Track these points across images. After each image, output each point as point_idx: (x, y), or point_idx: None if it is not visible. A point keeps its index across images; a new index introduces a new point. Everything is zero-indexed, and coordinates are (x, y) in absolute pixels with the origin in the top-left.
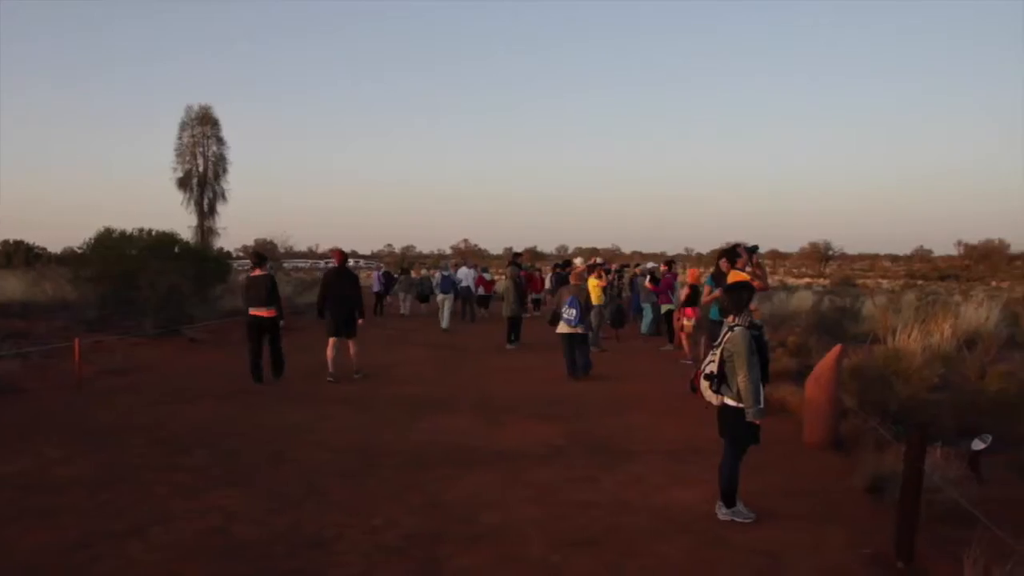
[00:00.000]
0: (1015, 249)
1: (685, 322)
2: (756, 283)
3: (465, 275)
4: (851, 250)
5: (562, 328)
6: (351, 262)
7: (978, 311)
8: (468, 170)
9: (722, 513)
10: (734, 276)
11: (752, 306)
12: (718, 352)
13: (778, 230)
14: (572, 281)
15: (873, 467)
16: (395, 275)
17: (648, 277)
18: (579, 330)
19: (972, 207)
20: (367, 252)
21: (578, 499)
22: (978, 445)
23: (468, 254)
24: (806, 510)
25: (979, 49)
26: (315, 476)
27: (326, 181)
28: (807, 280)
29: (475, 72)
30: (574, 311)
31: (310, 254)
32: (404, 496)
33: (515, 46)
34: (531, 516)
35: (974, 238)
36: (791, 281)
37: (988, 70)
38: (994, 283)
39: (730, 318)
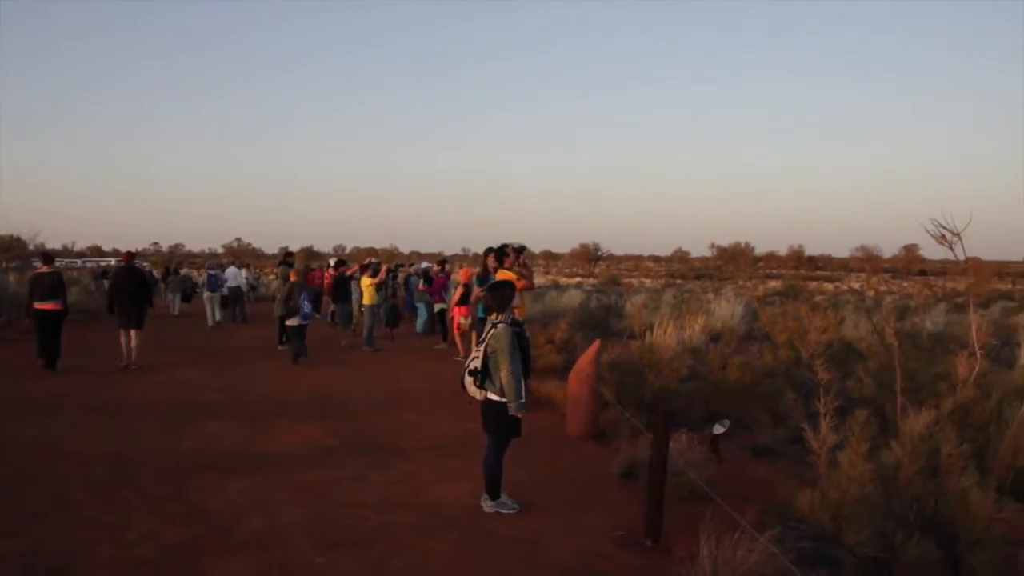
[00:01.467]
0: (759, 251)
1: (459, 320)
2: (523, 282)
3: (233, 275)
4: (618, 251)
5: (293, 321)
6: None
7: (725, 308)
8: (245, 168)
9: (488, 506)
10: (501, 275)
11: (515, 304)
12: (482, 348)
13: (552, 231)
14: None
15: (628, 455)
16: (158, 275)
17: (422, 277)
18: (306, 322)
19: (725, 211)
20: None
21: (346, 499)
22: (718, 429)
23: (241, 253)
24: (567, 498)
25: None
26: (65, 490)
27: (91, 177)
28: (578, 279)
29: (247, 67)
30: (309, 306)
31: (66, 252)
32: (163, 507)
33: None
34: (297, 519)
35: (725, 241)
36: (563, 280)
37: (743, 77)
38: (741, 282)
39: (493, 316)
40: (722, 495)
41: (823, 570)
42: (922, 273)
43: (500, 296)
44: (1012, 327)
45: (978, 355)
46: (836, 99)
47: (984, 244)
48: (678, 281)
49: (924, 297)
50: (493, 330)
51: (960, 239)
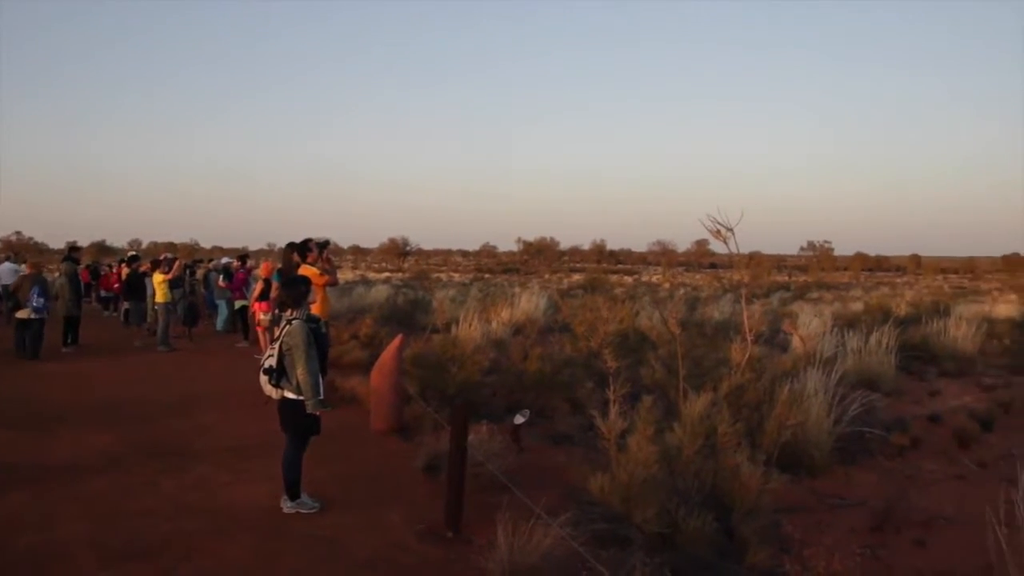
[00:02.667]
0: (564, 246)
1: (261, 316)
2: (325, 278)
3: (8, 272)
4: (428, 246)
5: (23, 314)
6: None
7: (530, 301)
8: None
9: (287, 506)
10: (304, 270)
11: (312, 300)
12: (277, 346)
13: (361, 226)
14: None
15: (430, 448)
16: None
17: (222, 274)
18: (38, 316)
19: (531, 208)
20: None
21: (135, 508)
22: (519, 419)
23: (21, 248)
24: (369, 494)
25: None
26: None
27: None
28: (387, 274)
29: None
30: (43, 300)
31: None
32: None
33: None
34: (80, 533)
35: (532, 236)
36: (371, 275)
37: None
38: (546, 276)
39: (288, 312)
40: (523, 483)
41: (615, 548)
42: (712, 266)
43: (295, 292)
44: (788, 315)
45: (749, 341)
46: (633, 100)
47: (766, 237)
48: (486, 275)
49: (713, 288)
50: (288, 327)
51: (733, 234)
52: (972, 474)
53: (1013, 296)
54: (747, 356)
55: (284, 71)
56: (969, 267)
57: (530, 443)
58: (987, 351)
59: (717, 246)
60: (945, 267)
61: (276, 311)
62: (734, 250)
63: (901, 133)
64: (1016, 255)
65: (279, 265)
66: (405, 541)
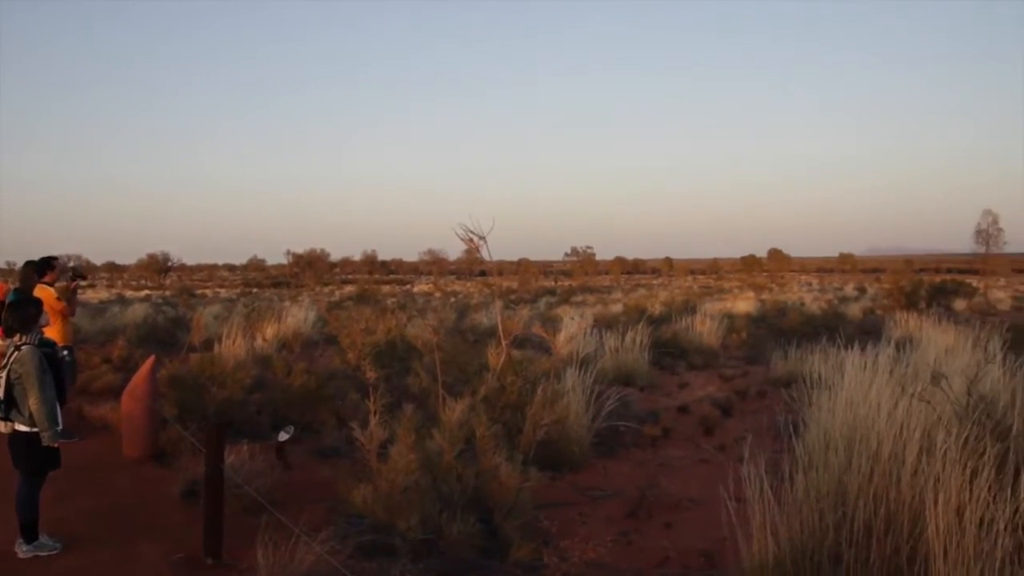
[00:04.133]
0: (335, 257)
1: None
2: (62, 303)
3: None
4: (191, 260)
5: None
6: None
7: (298, 314)
8: None
9: (23, 550)
10: (39, 291)
11: (44, 324)
12: (3, 375)
13: (117, 241)
14: None
15: (189, 473)
16: None
17: None
18: None
19: (299, 220)
20: None
21: None
22: (283, 436)
23: None
24: (122, 527)
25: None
26: None
27: None
28: (146, 292)
29: None
30: None
31: None
32: None
33: None
34: None
35: (301, 247)
36: (129, 294)
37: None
38: (318, 288)
39: (17, 337)
40: (288, 501)
41: (380, 559)
42: (482, 274)
43: (22, 315)
44: (554, 318)
45: (504, 346)
46: (400, 110)
47: (533, 244)
48: (254, 290)
49: (482, 295)
50: (16, 353)
51: (486, 242)
52: (714, 457)
53: (751, 293)
54: (502, 360)
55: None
56: (714, 268)
57: (296, 459)
58: (728, 344)
59: (486, 254)
60: (694, 268)
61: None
62: (487, 257)
63: (651, 144)
64: (752, 256)
65: (17, 285)
66: (161, 573)
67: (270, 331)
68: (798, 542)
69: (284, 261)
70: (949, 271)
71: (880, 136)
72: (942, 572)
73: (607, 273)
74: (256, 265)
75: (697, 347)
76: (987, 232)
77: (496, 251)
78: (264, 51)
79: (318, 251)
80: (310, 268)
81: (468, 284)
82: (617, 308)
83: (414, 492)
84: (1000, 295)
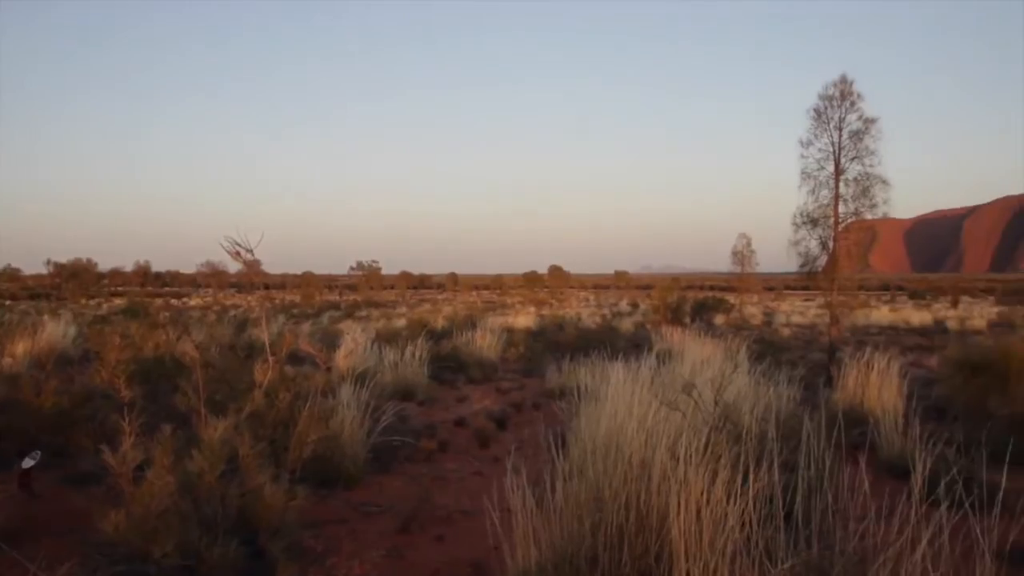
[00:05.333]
0: (104, 268)
1: None
2: None
3: None
4: None
5: None
6: None
7: (56, 329)
8: None
9: None
10: None
11: None
12: None
13: None
14: None
15: None
16: None
17: None
18: None
19: (59, 229)
20: None
21: None
22: (27, 463)
23: None
24: None
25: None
26: None
27: None
28: None
29: None
30: None
31: None
32: None
33: None
34: None
35: (64, 256)
36: None
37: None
38: (84, 301)
39: None
40: (32, 534)
41: None
42: (266, 287)
43: None
44: (337, 332)
45: (271, 361)
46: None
47: (318, 258)
48: (8, 301)
49: (264, 309)
50: None
51: (253, 254)
52: (488, 469)
53: (532, 308)
54: (269, 376)
55: None
56: (498, 283)
57: (46, 488)
58: (507, 358)
59: (269, 267)
60: (478, 284)
61: None
62: (254, 269)
63: (438, 161)
64: (534, 273)
65: None
66: None
67: (20, 348)
68: (559, 548)
69: (44, 271)
70: (711, 288)
71: (652, 161)
72: (683, 569)
73: (393, 288)
74: (11, 275)
75: (477, 361)
76: (742, 253)
77: (279, 264)
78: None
79: (84, 261)
80: (74, 279)
81: (248, 298)
82: (401, 323)
83: (172, 516)
84: (753, 311)
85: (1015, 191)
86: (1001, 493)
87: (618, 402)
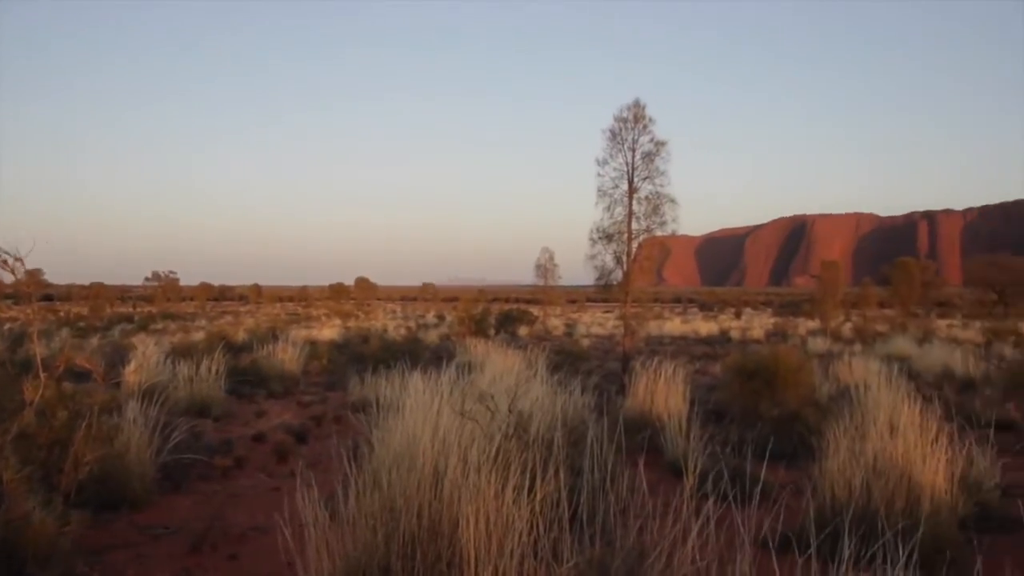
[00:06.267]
0: None
1: None
2: None
3: None
4: None
5: None
6: None
7: None
8: None
9: None
10: None
11: None
12: None
13: None
14: None
15: None
16: None
17: None
18: None
19: None
20: None
21: None
22: None
23: None
24: None
25: None
26: None
27: None
28: None
29: None
30: None
31: None
32: None
33: None
34: None
35: None
36: None
37: None
38: None
39: None
40: None
41: None
42: (48, 298)
43: None
44: (128, 346)
45: (43, 378)
46: None
47: (110, 268)
48: None
49: (46, 322)
50: None
51: (23, 263)
52: (286, 484)
53: (338, 321)
54: (41, 393)
55: None
56: (303, 295)
57: None
58: (310, 371)
59: (54, 277)
60: (283, 296)
61: None
62: (20, 277)
63: (241, 171)
64: (341, 284)
65: None
66: None
67: None
68: (352, 559)
69: None
70: (517, 300)
71: (460, 173)
72: (473, 573)
73: (191, 299)
74: None
75: (278, 374)
76: (545, 267)
77: (63, 274)
78: None
79: None
80: None
81: (27, 310)
82: (199, 336)
83: None
84: (556, 322)
85: (788, 213)
86: (760, 486)
87: (416, 413)
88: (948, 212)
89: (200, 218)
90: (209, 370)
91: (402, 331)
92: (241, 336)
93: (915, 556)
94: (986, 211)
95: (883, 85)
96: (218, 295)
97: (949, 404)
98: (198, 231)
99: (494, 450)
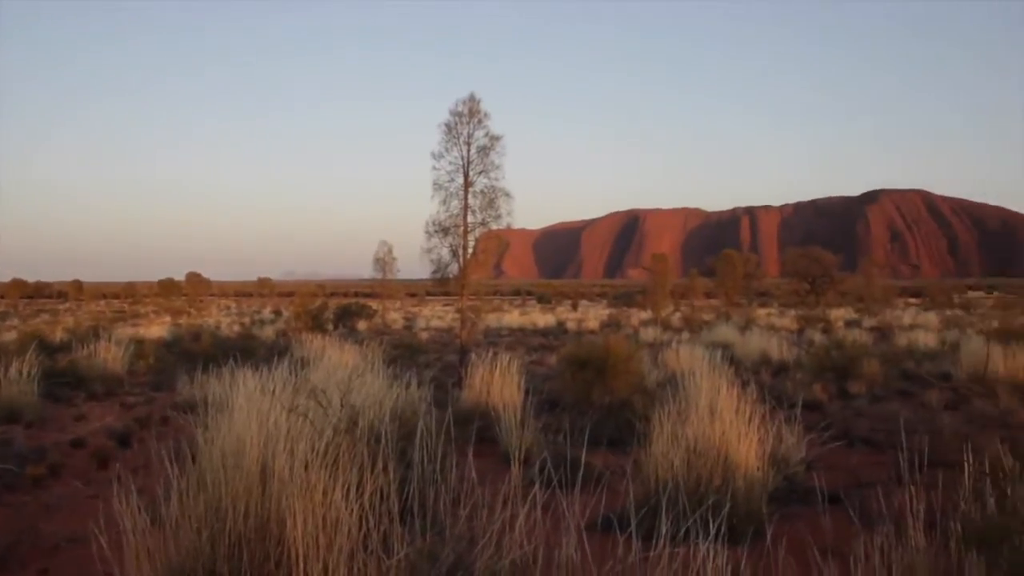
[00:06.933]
0: None
1: None
2: None
3: None
4: None
5: None
6: None
7: None
8: None
9: None
10: None
11: None
12: None
13: None
14: None
15: None
16: None
17: None
18: None
19: None
20: None
21: None
22: None
23: None
24: None
25: None
26: None
27: None
28: None
29: None
30: None
31: None
32: None
33: None
34: None
35: None
36: None
37: None
38: None
39: None
40: None
41: None
42: None
43: None
44: None
45: None
46: None
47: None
48: None
49: None
50: None
51: None
52: (106, 491)
53: (168, 318)
54: None
55: None
56: (130, 292)
57: None
58: (135, 371)
59: None
60: (107, 292)
61: None
62: None
63: (64, 159)
64: (171, 280)
65: None
66: None
67: None
68: (176, 564)
69: None
70: (356, 295)
71: (295, 165)
72: (302, 571)
73: (3, 297)
74: None
75: (100, 375)
76: (384, 260)
77: None
78: None
79: None
80: None
81: None
82: (10, 336)
83: None
84: (395, 316)
85: (623, 208)
86: (582, 471)
87: (245, 411)
88: (767, 208)
89: (5, 208)
90: (20, 372)
91: (236, 328)
92: (59, 335)
93: (723, 529)
94: (800, 207)
95: (709, 86)
96: (33, 292)
97: (764, 387)
98: (4, 223)
99: (323, 445)
